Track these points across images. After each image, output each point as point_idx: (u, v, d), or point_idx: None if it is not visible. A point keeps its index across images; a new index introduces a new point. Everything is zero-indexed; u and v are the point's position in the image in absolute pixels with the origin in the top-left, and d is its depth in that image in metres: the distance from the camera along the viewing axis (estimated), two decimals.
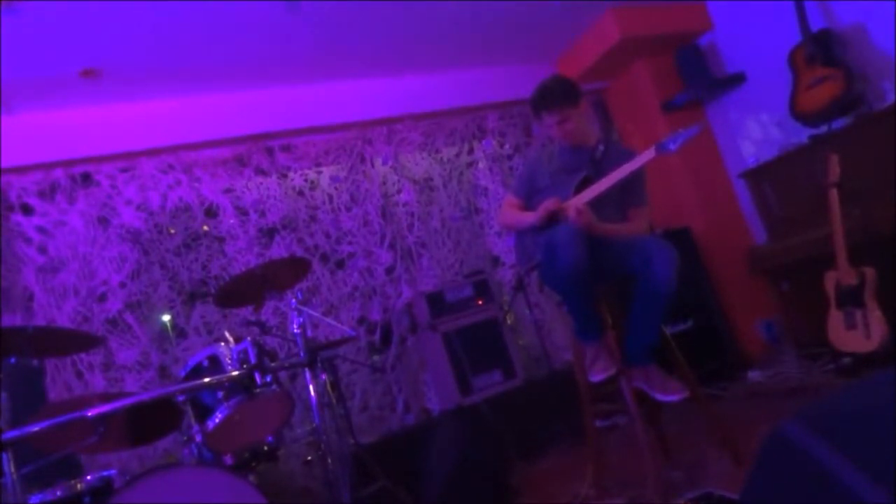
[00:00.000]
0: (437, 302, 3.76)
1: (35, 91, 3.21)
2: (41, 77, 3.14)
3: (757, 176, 4.01)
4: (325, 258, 3.95)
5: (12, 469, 1.91)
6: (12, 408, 2.14)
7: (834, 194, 3.08)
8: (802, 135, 3.76)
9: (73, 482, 2.22)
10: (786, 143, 3.91)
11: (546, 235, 2.35)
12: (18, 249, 3.24)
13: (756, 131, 4.41)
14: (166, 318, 3.47)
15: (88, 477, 2.28)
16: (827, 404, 1.19)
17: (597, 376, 2.45)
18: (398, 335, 3.99)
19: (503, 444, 3.03)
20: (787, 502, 1.07)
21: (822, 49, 3.57)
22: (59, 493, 2.16)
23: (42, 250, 3.29)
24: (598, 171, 2.51)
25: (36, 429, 1.92)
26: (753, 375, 3.80)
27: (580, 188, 2.49)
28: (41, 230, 3.32)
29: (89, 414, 1.95)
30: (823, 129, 3.62)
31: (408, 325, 3.96)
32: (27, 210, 3.33)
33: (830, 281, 3.13)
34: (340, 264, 3.99)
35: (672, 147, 2.28)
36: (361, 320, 3.93)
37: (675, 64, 4.51)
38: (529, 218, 2.58)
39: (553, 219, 2.46)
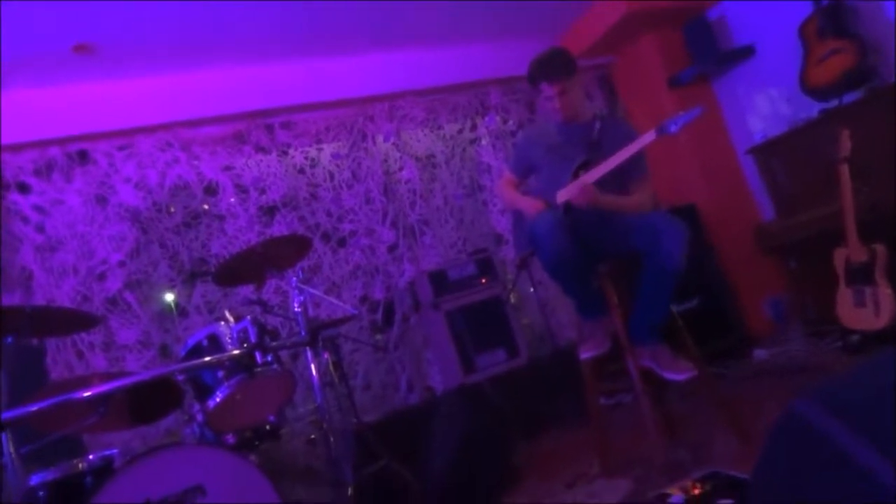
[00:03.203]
0: (440, 280, 3.72)
1: (28, 67, 3.14)
2: (34, 52, 3.07)
3: (765, 152, 3.95)
4: (326, 236, 3.91)
5: (11, 449, 1.89)
6: (14, 388, 2.12)
7: (845, 170, 3.02)
8: (812, 109, 3.69)
9: (74, 462, 2.21)
10: (795, 118, 3.84)
11: (530, 225, 2.34)
12: (16, 228, 3.20)
13: (764, 106, 4.33)
14: (167, 297, 3.44)
15: (90, 456, 2.26)
16: (840, 383, 1.16)
17: (586, 353, 2.44)
18: (401, 314, 3.96)
19: (507, 423, 3.02)
20: (800, 480, 1.04)
21: (833, 21, 3.49)
22: (60, 472, 2.14)
23: (40, 229, 3.25)
24: (597, 152, 2.46)
25: (35, 408, 1.90)
26: (759, 354, 3.76)
27: (578, 173, 2.44)
28: (38, 209, 3.28)
29: (90, 393, 1.93)
30: (834, 103, 3.55)
31: (410, 304, 3.93)
32: (24, 189, 3.28)
33: (840, 258, 3.09)
34: (342, 242, 3.95)
35: (673, 129, 2.24)
36: (364, 299, 3.90)
37: (683, 38, 4.41)
38: (524, 205, 2.57)
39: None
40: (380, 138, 4.19)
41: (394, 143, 4.22)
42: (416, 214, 4.16)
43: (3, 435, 1.89)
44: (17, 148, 3.24)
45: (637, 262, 2.30)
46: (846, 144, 3.03)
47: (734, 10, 4.42)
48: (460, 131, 4.47)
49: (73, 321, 2.60)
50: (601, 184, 2.37)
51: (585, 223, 2.39)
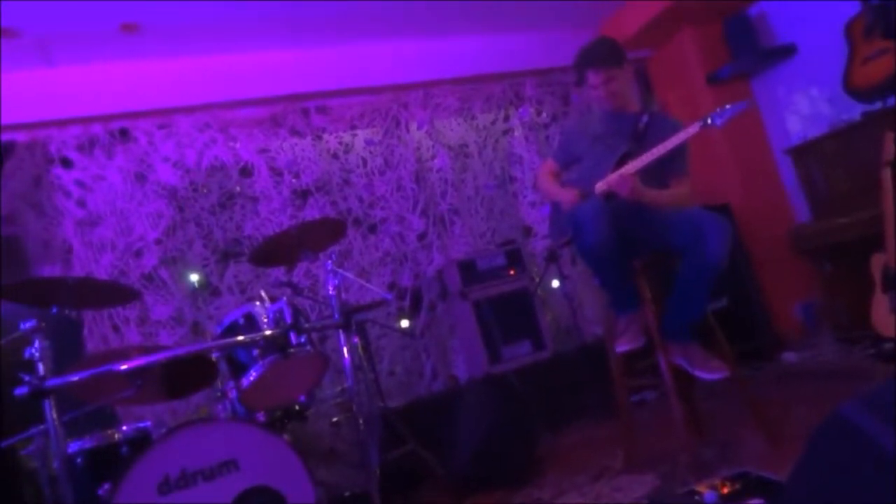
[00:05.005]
0: (468, 270, 3.73)
1: (76, 44, 3.20)
2: (83, 29, 3.12)
3: (803, 153, 3.88)
4: (357, 222, 3.94)
5: (54, 416, 1.94)
6: (53, 357, 2.18)
7: (888, 174, 2.95)
8: (854, 111, 3.61)
9: (110, 432, 2.27)
10: (836, 120, 3.77)
11: (572, 213, 2.32)
12: (58, 202, 3.28)
13: (804, 106, 4.25)
14: (200, 275, 3.50)
15: (124, 427, 2.32)
16: (888, 389, 1.14)
17: (622, 346, 2.43)
18: (428, 302, 3.98)
19: (531, 414, 3.03)
20: (843, 483, 1.04)
21: (881, 20, 3.41)
22: (96, 441, 2.21)
23: (81, 204, 3.32)
24: (641, 144, 2.45)
25: (78, 378, 1.95)
26: (788, 357, 3.72)
27: (620, 163, 2.43)
28: (80, 184, 3.35)
29: (130, 366, 1.98)
30: (878, 105, 3.48)
31: (438, 292, 3.95)
32: (67, 164, 3.35)
33: (877, 263, 3.03)
34: (373, 229, 3.98)
35: (718, 122, 2.23)
36: (392, 286, 3.93)
37: (724, 34, 4.34)
38: (561, 195, 2.57)
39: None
40: (413, 126, 4.20)
41: (427, 132, 4.23)
42: (447, 203, 4.17)
43: (47, 402, 1.94)
44: (61, 123, 3.31)
45: (674, 258, 2.29)
46: (890, 148, 2.97)
47: (776, 7, 4.33)
48: (494, 122, 4.46)
49: (112, 295, 2.67)
50: (642, 179, 2.36)
51: (625, 216, 2.38)
